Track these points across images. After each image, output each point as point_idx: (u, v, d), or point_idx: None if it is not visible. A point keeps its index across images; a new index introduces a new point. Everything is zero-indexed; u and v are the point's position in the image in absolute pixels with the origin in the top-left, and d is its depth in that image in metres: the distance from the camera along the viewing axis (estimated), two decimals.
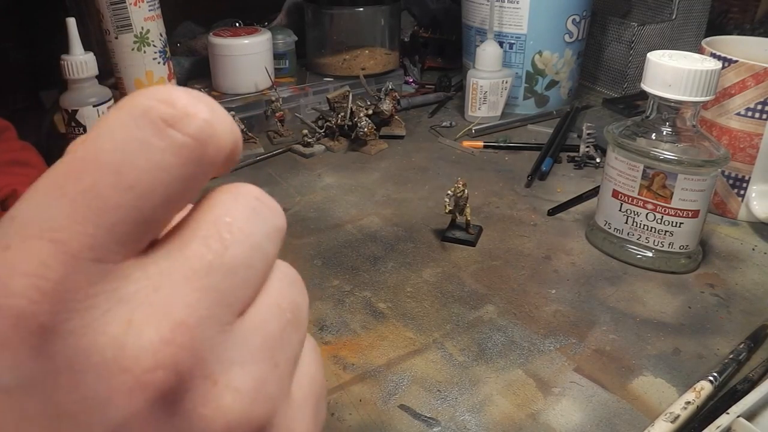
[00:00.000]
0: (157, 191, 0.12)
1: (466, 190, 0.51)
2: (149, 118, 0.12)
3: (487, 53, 0.77)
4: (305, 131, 0.71)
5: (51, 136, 0.78)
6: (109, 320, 0.12)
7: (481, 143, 0.73)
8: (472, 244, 0.53)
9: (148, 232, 0.13)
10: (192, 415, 0.13)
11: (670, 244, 0.49)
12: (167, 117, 0.13)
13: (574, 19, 0.79)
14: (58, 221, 0.12)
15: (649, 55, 0.47)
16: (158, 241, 0.14)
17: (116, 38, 0.69)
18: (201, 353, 0.13)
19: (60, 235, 0.12)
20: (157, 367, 0.12)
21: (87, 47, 0.65)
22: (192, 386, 0.13)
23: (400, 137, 0.76)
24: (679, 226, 0.48)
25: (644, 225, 0.49)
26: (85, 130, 0.66)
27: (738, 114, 0.54)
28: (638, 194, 0.49)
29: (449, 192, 0.51)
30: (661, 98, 0.47)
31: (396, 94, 0.79)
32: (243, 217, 0.14)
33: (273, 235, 0.15)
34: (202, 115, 0.13)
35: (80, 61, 0.64)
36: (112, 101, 0.68)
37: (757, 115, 0.53)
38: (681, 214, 0.48)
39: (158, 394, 0.12)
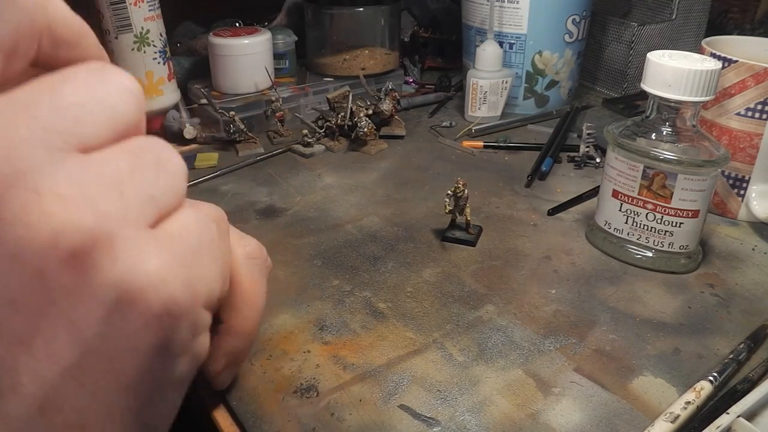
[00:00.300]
0: None
1: (466, 190, 0.51)
2: None
3: (487, 53, 0.77)
4: (305, 131, 0.71)
5: None
6: None
7: (481, 143, 0.74)
8: (472, 244, 0.53)
9: None
10: (14, 223, 0.13)
11: (670, 244, 0.49)
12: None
13: (574, 19, 0.79)
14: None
15: (649, 55, 0.47)
16: None
17: (116, 38, 0.69)
18: (19, 165, 0.13)
19: None
20: None
21: None
22: (10, 196, 0.13)
23: (400, 137, 0.76)
24: (679, 226, 0.48)
25: (644, 225, 0.49)
26: None
27: (738, 114, 0.54)
28: (638, 194, 0.49)
29: (449, 192, 0.51)
30: (661, 98, 0.47)
31: (396, 94, 0.79)
32: (86, 74, 0.15)
33: (125, 95, 0.15)
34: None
35: None
36: None
37: (757, 115, 0.53)
38: (681, 214, 0.48)
39: None
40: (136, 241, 0.15)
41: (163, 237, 0.15)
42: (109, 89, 0.15)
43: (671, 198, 0.47)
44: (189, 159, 0.69)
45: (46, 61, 0.15)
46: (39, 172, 0.13)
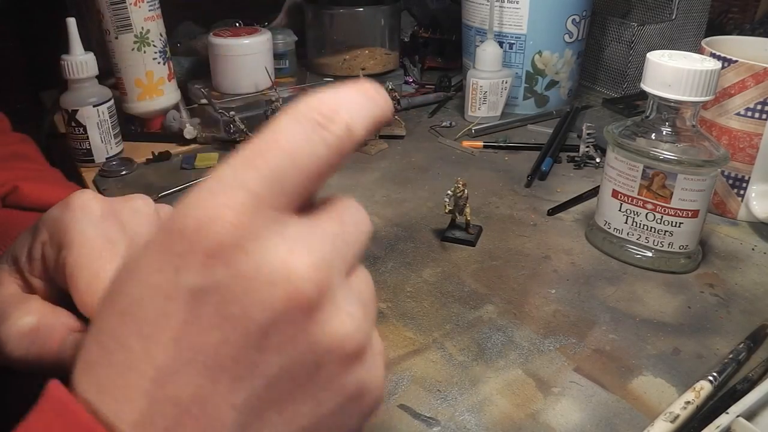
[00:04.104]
0: (312, 169, 0.18)
1: (466, 190, 0.52)
2: (309, 120, 0.18)
3: (487, 53, 0.77)
4: None
5: (51, 136, 0.78)
6: (277, 248, 0.17)
7: (481, 143, 0.74)
8: (472, 244, 0.53)
9: (303, 195, 0.18)
10: (323, 325, 0.18)
11: (669, 244, 0.49)
12: (321, 120, 0.18)
13: (574, 19, 0.79)
14: (251, 181, 0.17)
15: (648, 55, 0.47)
16: (306, 209, 0.19)
17: (116, 38, 0.69)
18: (331, 285, 0.18)
19: (252, 189, 0.17)
20: (309, 280, 0.17)
21: (87, 47, 0.65)
22: (324, 305, 0.18)
23: (400, 137, 0.76)
24: (679, 226, 0.48)
25: (644, 225, 0.49)
26: (85, 131, 0.66)
27: (738, 114, 0.54)
28: (638, 194, 0.49)
29: (449, 192, 0.51)
30: (660, 98, 0.47)
31: (396, 94, 0.79)
32: (352, 214, 0.21)
33: (364, 237, 0.21)
34: (344, 118, 0.19)
35: (80, 61, 0.64)
36: (112, 101, 0.68)
37: (756, 115, 0.53)
38: (681, 214, 0.48)
39: (305, 302, 0.17)
40: (374, 352, 0.20)
41: (377, 349, 0.21)
42: (363, 226, 0.21)
43: (671, 198, 0.47)
44: (189, 159, 0.69)
45: None
46: (336, 291, 0.18)
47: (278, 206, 0.18)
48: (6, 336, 0.25)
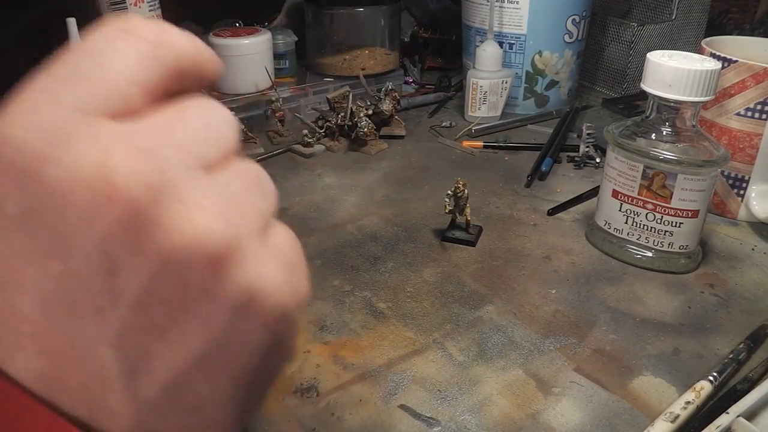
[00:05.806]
0: (123, 72, 0.17)
1: (466, 190, 0.51)
2: (115, 30, 0.18)
3: (487, 53, 0.77)
4: (305, 131, 0.71)
5: None
6: (90, 151, 0.15)
7: (481, 143, 0.74)
8: (472, 244, 0.53)
9: (115, 100, 0.16)
10: (168, 226, 0.15)
11: (669, 244, 0.49)
12: (127, 27, 0.17)
13: (574, 19, 0.79)
14: (48, 84, 0.16)
15: (648, 55, 0.47)
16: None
17: None
18: (167, 179, 0.16)
19: (50, 90, 0.16)
20: (130, 174, 0.15)
21: None
22: (163, 203, 0.15)
23: (400, 137, 0.76)
24: (679, 226, 0.48)
25: (644, 225, 0.49)
26: None
27: (738, 114, 0.54)
28: (638, 194, 0.49)
29: (449, 192, 0.51)
30: (660, 98, 0.47)
31: (396, 94, 0.79)
32: (201, 104, 0.18)
33: (229, 124, 0.19)
34: (149, 33, 0.17)
35: None
36: None
37: (756, 115, 0.53)
38: (681, 214, 0.48)
39: (134, 203, 0.15)
40: (256, 251, 0.17)
41: (273, 249, 0.18)
42: (218, 118, 0.19)
43: (671, 198, 0.47)
44: None
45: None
46: (182, 186, 0.16)
47: (85, 108, 0.16)
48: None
